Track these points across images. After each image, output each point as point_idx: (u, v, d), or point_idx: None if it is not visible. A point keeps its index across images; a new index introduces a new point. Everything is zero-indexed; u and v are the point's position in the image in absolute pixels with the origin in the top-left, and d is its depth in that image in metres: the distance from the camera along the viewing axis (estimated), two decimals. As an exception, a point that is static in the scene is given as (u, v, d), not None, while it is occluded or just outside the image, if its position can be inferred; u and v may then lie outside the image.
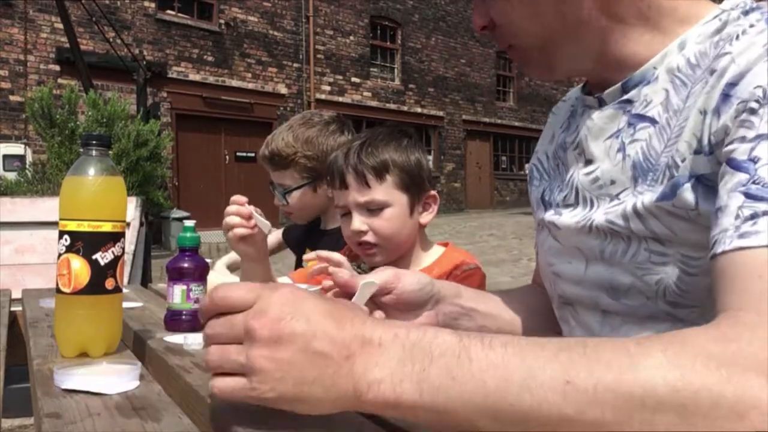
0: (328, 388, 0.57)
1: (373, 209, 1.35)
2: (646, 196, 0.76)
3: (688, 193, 0.72)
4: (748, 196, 0.60)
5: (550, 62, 0.86)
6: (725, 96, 0.68)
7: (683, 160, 0.73)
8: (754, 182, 0.61)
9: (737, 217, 0.60)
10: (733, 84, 0.68)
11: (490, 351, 0.54)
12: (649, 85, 0.81)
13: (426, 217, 1.42)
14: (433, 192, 1.43)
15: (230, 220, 1.36)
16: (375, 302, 0.88)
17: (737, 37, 0.72)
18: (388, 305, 0.90)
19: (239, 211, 1.35)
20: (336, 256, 1.18)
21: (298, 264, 1.71)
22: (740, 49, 0.70)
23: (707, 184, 0.71)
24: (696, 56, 0.78)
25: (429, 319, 0.93)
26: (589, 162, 0.87)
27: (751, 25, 0.72)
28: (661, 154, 0.77)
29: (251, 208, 1.36)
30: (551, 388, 0.51)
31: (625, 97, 0.83)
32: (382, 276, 0.88)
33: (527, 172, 1.07)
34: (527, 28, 0.83)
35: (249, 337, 0.58)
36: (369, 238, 1.36)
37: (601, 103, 0.87)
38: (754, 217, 0.59)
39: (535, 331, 1.04)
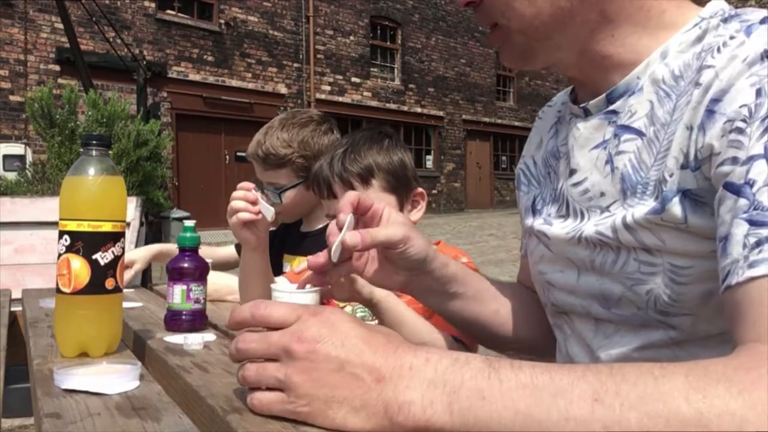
0: (357, 408, 0.60)
1: None
2: (637, 209, 0.76)
3: (676, 207, 0.72)
4: (751, 223, 0.61)
5: (532, 49, 0.84)
6: (709, 112, 0.69)
7: (671, 175, 0.73)
8: (755, 208, 0.61)
9: (744, 246, 0.61)
10: (716, 100, 0.68)
11: (519, 371, 0.56)
12: (634, 96, 0.81)
13: (415, 215, 1.43)
14: (420, 189, 1.43)
15: (236, 204, 1.37)
16: (383, 254, 0.90)
17: (718, 49, 0.72)
18: (386, 259, 0.91)
19: (246, 196, 1.36)
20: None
21: (278, 270, 1.69)
22: (722, 63, 0.70)
23: (694, 199, 0.71)
24: (680, 67, 0.78)
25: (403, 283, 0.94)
26: (573, 172, 0.87)
27: (732, 37, 0.72)
28: (651, 167, 0.77)
29: (257, 194, 1.37)
30: (579, 406, 0.52)
31: (611, 107, 0.83)
32: (396, 232, 0.87)
33: (517, 174, 1.06)
34: (518, 8, 0.80)
35: (287, 356, 0.62)
36: None
37: (587, 113, 0.86)
38: (759, 244, 0.59)
39: (526, 334, 1.04)
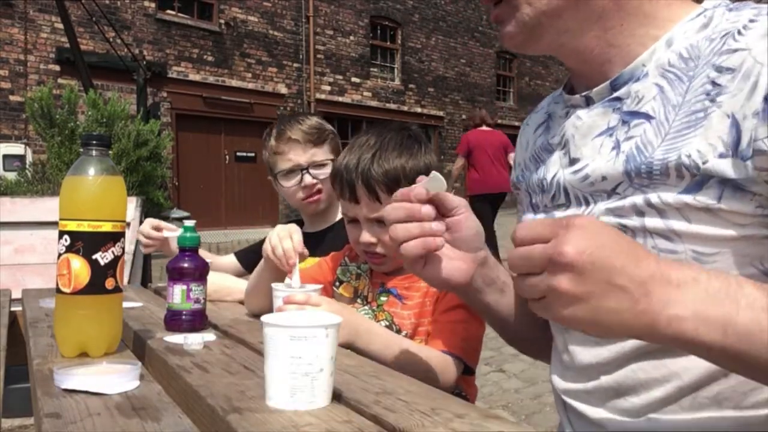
0: (624, 320, 0.62)
1: (383, 222, 1.34)
2: (662, 190, 0.75)
3: (711, 192, 0.72)
4: None
5: (540, 27, 0.83)
6: None
7: (705, 162, 0.72)
8: None
9: None
10: None
11: None
12: (639, 82, 0.81)
13: None
14: None
15: (289, 253, 1.32)
16: (451, 243, 0.89)
17: (739, 32, 0.72)
18: (452, 248, 0.90)
19: (290, 264, 1.32)
20: (300, 298, 1.15)
21: None
22: (760, 48, 0.70)
23: (736, 186, 0.71)
24: (687, 50, 0.78)
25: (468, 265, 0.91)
26: (575, 161, 0.87)
27: (752, 20, 0.73)
28: (658, 147, 0.76)
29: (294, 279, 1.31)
30: None
31: (615, 95, 0.83)
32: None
33: (514, 182, 1.06)
34: None
35: (553, 265, 0.63)
36: (378, 249, 1.35)
37: (589, 102, 0.86)
38: None
39: (525, 323, 1.03)
